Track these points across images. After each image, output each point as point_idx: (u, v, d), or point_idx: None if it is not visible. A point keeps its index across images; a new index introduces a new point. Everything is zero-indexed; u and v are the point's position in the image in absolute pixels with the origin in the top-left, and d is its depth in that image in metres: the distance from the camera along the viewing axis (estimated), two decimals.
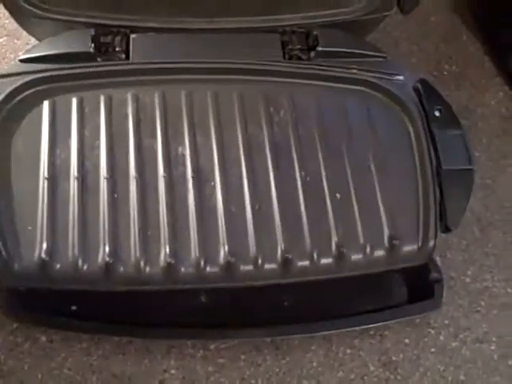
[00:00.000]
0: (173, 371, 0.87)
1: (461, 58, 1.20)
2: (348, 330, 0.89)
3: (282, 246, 0.80)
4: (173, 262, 0.78)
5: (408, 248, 0.84)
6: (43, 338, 0.88)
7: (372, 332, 0.91)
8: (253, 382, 0.86)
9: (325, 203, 0.84)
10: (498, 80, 1.18)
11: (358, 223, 0.83)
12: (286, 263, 0.80)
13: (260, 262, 0.80)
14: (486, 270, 0.98)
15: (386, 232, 0.83)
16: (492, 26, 1.22)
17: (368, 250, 0.82)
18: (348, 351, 0.90)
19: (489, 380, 0.89)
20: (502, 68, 1.19)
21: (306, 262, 0.81)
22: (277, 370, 0.87)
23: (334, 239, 0.82)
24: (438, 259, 0.95)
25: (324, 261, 0.82)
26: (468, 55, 1.20)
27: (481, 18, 1.24)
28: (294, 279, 0.83)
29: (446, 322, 0.93)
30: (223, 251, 0.79)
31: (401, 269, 0.92)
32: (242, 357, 0.88)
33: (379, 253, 0.83)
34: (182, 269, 0.79)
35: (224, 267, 0.79)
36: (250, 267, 0.80)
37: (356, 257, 0.82)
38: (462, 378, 0.89)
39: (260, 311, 0.89)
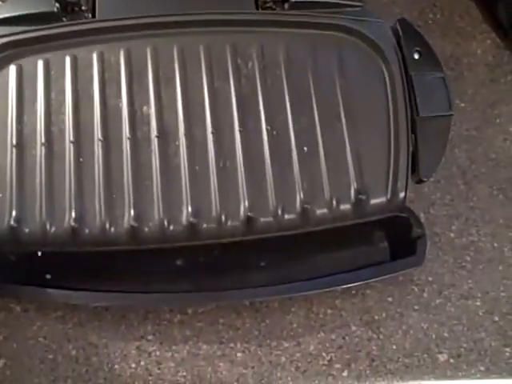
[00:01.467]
0: (150, 337, 0.85)
1: (446, 5, 1.14)
2: (329, 289, 0.87)
3: (246, 203, 0.78)
4: (136, 224, 0.77)
5: (376, 201, 0.81)
6: (18, 308, 0.86)
7: (354, 291, 0.89)
8: (232, 345, 0.85)
9: (291, 158, 0.81)
10: (484, 27, 1.13)
11: (325, 177, 0.80)
12: (248, 221, 0.78)
13: (223, 220, 0.78)
14: (472, 225, 0.95)
15: (354, 185, 0.80)
16: None
17: (334, 204, 0.80)
18: (329, 312, 0.88)
19: (473, 336, 0.87)
20: (489, 14, 1.14)
21: (270, 219, 0.79)
22: (256, 332, 0.86)
23: (299, 194, 0.79)
24: (421, 215, 0.93)
25: (288, 217, 0.79)
26: (453, 2, 1.15)
27: None
28: (257, 236, 0.80)
29: (430, 278, 0.91)
30: (186, 211, 0.78)
31: (382, 226, 0.90)
32: (221, 320, 0.86)
33: (345, 207, 0.80)
34: (146, 229, 0.78)
35: (187, 227, 0.78)
36: (212, 225, 0.78)
37: (321, 212, 0.80)
38: (445, 335, 0.87)
39: (237, 273, 0.87)
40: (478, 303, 0.89)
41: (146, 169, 0.80)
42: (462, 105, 1.04)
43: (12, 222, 0.77)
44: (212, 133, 0.81)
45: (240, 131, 0.82)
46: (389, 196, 0.81)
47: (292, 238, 0.87)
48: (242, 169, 0.80)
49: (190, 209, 0.78)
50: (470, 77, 1.07)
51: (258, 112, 0.83)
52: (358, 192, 0.80)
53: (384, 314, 0.88)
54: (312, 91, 0.85)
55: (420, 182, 0.84)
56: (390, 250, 0.90)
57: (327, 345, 0.85)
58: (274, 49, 0.87)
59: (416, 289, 0.90)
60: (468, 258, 0.93)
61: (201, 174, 0.80)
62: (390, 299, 0.89)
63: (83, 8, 0.91)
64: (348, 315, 0.88)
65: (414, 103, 0.84)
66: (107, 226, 0.78)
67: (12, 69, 0.84)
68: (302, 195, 0.80)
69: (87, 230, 0.78)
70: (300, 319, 0.87)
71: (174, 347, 0.85)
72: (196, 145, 0.81)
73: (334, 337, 0.86)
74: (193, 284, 0.87)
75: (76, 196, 0.78)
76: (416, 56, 0.86)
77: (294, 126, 0.82)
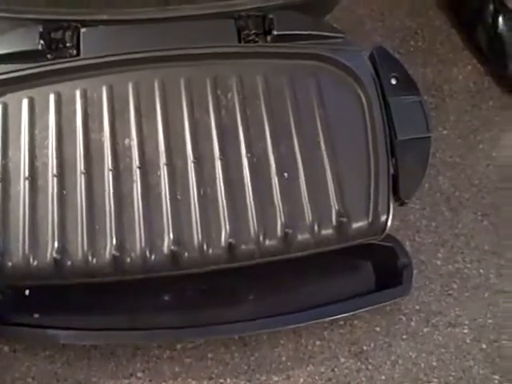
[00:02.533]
0: (139, 374, 0.85)
1: (427, 33, 1.16)
2: (317, 321, 0.87)
3: (227, 230, 0.79)
4: (118, 254, 0.77)
5: (357, 225, 0.81)
6: (6, 348, 0.86)
7: (341, 322, 0.89)
8: (221, 380, 0.85)
9: (271, 184, 0.82)
10: (465, 53, 1.15)
11: (306, 202, 0.81)
12: (230, 248, 0.79)
13: (205, 248, 0.79)
14: (457, 252, 0.96)
15: (335, 209, 0.81)
16: None
17: (316, 229, 0.80)
18: (317, 343, 0.88)
19: (462, 365, 0.87)
20: (469, 41, 1.16)
21: (251, 246, 0.79)
22: (245, 367, 0.86)
23: (280, 220, 0.80)
24: (407, 243, 0.94)
25: (269, 243, 0.80)
26: (434, 30, 1.17)
27: None
28: (240, 263, 0.81)
29: (417, 307, 0.91)
30: (168, 240, 0.78)
31: (368, 256, 0.91)
32: (210, 355, 0.87)
33: (327, 231, 0.81)
34: (128, 259, 0.78)
35: (169, 256, 0.78)
36: (194, 254, 0.79)
37: (303, 237, 0.80)
38: (434, 363, 0.87)
39: (226, 307, 0.88)
40: (466, 331, 0.90)
41: (128, 199, 0.81)
42: (445, 132, 1.05)
43: None
44: (193, 162, 0.83)
45: (220, 159, 0.83)
46: (370, 219, 0.82)
47: (280, 271, 0.87)
48: (223, 196, 0.81)
49: (171, 237, 0.79)
50: (452, 103, 1.09)
51: (238, 140, 0.84)
52: (339, 215, 0.81)
53: (372, 345, 0.88)
54: (291, 119, 0.86)
55: (402, 203, 0.85)
56: (377, 279, 0.90)
57: (316, 377, 0.86)
58: (253, 79, 0.88)
59: (404, 318, 0.90)
60: (454, 286, 0.93)
61: (182, 202, 0.81)
62: (377, 329, 0.89)
63: (68, 45, 0.92)
64: (336, 347, 0.88)
65: (392, 127, 0.85)
66: (90, 256, 0.78)
67: None
68: (283, 220, 0.80)
69: (70, 262, 0.78)
70: (289, 352, 0.87)
71: None
72: (177, 174, 0.82)
73: (323, 369, 0.86)
74: (181, 319, 0.87)
75: (59, 228, 0.79)
76: (393, 81, 0.88)
77: (274, 153, 0.84)
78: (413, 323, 0.90)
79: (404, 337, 0.89)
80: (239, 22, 0.94)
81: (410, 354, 0.88)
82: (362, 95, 0.88)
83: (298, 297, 0.89)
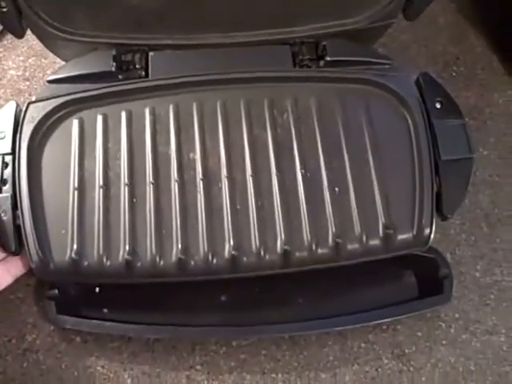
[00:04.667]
0: (198, 367, 0.93)
1: (469, 58, 1.22)
2: (363, 324, 0.94)
3: (282, 238, 0.87)
4: (183, 257, 0.86)
5: (403, 236, 0.88)
6: (78, 339, 0.95)
7: (385, 327, 0.96)
8: (273, 375, 0.92)
9: (323, 197, 0.89)
10: (506, 79, 1.21)
11: (355, 214, 0.88)
12: (285, 254, 0.86)
13: (262, 253, 0.86)
14: (495, 265, 1.01)
15: (382, 222, 0.88)
16: (500, 25, 1.25)
17: (364, 239, 0.87)
18: (362, 345, 0.95)
19: (498, 370, 0.93)
20: (510, 66, 1.21)
21: (304, 253, 0.87)
22: (295, 364, 0.93)
23: (331, 231, 0.87)
24: (447, 255, 1.00)
25: (321, 251, 0.87)
26: (476, 55, 1.23)
27: (488, 18, 1.27)
28: (294, 269, 0.88)
29: (457, 315, 0.97)
30: (228, 245, 0.86)
31: (411, 266, 0.97)
32: (263, 352, 0.94)
33: (374, 242, 0.88)
34: (192, 262, 0.86)
35: (229, 260, 0.86)
36: (252, 259, 0.86)
37: (352, 246, 0.87)
38: (472, 368, 0.93)
39: (277, 309, 0.95)
40: (502, 339, 0.95)
41: (192, 208, 0.89)
42: (485, 152, 1.11)
43: (73, 255, 0.86)
44: (251, 176, 0.91)
45: (276, 174, 0.91)
46: (415, 231, 0.89)
47: (328, 278, 0.95)
48: (279, 207, 0.89)
49: (231, 243, 0.87)
50: (492, 126, 1.15)
51: (293, 157, 0.92)
52: (385, 227, 0.88)
53: (414, 348, 0.94)
54: (342, 137, 0.94)
55: (444, 219, 0.91)
56: (419, 288, 0.97)
57: (361, 376, 0.92)
58: (306, 101, 0.97)
59: (443, 325, 0.96)
60: (492, 296, 0.99)
61: (241, 212, 0.89)
62: (419, 334, 0.96)
63: (137, 66, 1.02)
64: (380, 349, 0.94)
65: (436, 148, 0.92)
66: (157, 258, 0.86)
67: (75, 122, 0.94)
68: (334, 231, 0.88)
69: (139, 263, 0.86)
70: (336, 352, 0.94)
71: (220, 377, 0.92)
72: (237, 186, 0.90)
73: (367, 369, 0.93)
74: (236, 318, 0.95)
75: (130, 232, 0.87)
76: (438, 105, 0.95)
77: (326, 169, 0.91)
78: (452, 330, 0.96)
79: (444, 342, 0.95)
80: (294, 48, 1.02)
81: (450, 358, 0.94)
82: (408, 117, 0.95)
83: (344, 302, 0.96)
